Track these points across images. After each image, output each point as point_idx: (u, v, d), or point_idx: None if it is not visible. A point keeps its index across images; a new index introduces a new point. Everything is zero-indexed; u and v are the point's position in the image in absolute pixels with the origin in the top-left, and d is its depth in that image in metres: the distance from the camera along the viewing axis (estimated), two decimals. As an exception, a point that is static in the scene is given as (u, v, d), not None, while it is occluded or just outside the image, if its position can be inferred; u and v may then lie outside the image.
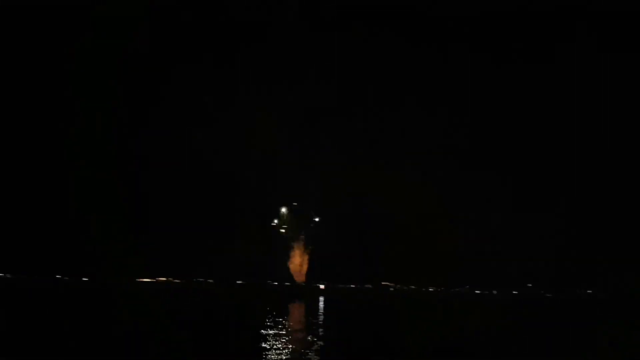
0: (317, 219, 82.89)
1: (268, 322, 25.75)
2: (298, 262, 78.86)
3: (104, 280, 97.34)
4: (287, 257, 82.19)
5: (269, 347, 16.07)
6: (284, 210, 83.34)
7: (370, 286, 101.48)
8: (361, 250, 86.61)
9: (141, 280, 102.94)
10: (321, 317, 29.88)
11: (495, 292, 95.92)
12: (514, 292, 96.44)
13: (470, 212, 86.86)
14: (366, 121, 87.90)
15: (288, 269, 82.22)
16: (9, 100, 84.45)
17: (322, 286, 71.82)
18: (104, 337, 17.62)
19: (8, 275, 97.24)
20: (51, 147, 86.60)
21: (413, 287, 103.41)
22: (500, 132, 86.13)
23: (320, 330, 22.42)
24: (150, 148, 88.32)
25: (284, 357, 14.27)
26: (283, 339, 18.23)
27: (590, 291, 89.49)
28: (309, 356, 14.64)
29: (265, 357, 14.17)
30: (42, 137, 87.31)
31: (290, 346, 16.39)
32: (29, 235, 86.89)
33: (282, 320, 26.79)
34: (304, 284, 78.13)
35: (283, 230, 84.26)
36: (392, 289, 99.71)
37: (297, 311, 36.01)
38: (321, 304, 47.54)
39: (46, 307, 31.57)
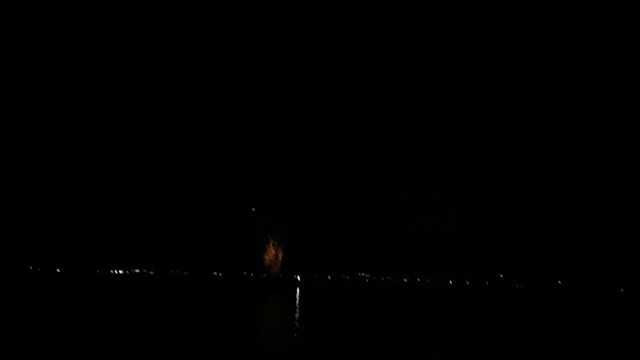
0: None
1: (245, 315, 25.99)
2: (273, 253, 78.92)
3: (77, 271, 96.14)
4: (262, 248, 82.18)
5: (247, 342, 16.31)
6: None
7: (346, 277, 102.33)
8: (337, 241, 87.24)
9: (115, 272, 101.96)
10: (297, 310, 30.21)
11: (468, 282, 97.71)
12: (486, 282, 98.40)
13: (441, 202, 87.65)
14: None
15: (263, 260, 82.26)
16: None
17: (298, 277, 72.13)
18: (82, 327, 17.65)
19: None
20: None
21: (389, 277, 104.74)
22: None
23: (297, 323, 22.74)
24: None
25: (264, 351, 14.53)
26: (261, 332, 18.49)
27: (560, 282, 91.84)
28: (287, 350, 14.92)
29: (247, 351, 14.42)
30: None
31: (268, 339, 16.65)
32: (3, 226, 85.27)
33: (260, 314, 27.07)
34: (279, 276, 78.22)
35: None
36: (367, 279, 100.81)
37: (274, 304, 36.30)
38: (297, 296, 47.87)
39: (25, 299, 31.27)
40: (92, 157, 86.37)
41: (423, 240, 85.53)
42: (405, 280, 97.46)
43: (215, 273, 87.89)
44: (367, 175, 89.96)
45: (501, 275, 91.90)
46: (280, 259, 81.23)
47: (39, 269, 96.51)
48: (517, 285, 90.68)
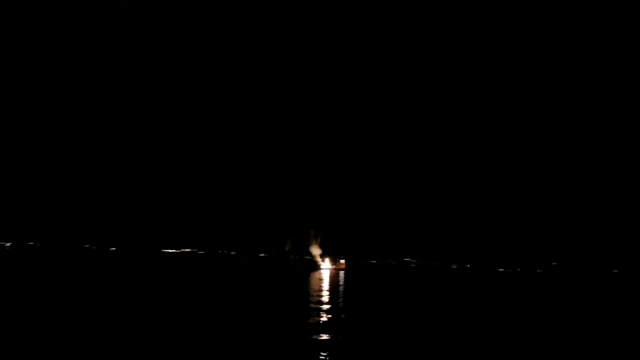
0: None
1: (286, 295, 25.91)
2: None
3: (129, 250, 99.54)
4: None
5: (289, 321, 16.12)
6: None
7: (392, 262, 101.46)
8: (383, 225, 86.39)
9: (166, 250, 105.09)
10: (341, 293, 29.89)
11: (519, 269, 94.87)
12: (538, 270, 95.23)
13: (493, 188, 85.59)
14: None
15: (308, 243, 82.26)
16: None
17: (342, 261, 71.79)
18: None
19: (37, 244, 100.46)
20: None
21: (435, 263, 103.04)
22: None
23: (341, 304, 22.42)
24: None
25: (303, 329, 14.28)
26: (304, 313, 18.26)
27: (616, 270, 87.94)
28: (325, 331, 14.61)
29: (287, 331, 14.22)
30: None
31: (311, 320, 16.38)
32: (57, 205, 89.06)
33: (303, 293, 26.89)
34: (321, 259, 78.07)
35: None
36: (413, 265, 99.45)
37: (317, 284, 36.13)
38: (341, 278, 47.66)
39: (73, 275, 32.27)
40: (143, 147, 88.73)
41: (473, 226, 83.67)
42: (454, 266, 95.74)
43: (262, 254, 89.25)
44: (414, 160, 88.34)
45: (554, 263, 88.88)
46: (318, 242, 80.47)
47: (94, 248, 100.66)
48: (571, 274, 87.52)
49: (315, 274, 53.62)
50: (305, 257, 78.43)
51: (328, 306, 21.38)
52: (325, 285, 36.90)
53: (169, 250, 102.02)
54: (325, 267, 71.95)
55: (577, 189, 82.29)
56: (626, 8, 71.02)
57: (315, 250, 77.79)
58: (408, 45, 79.13)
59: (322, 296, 26.54)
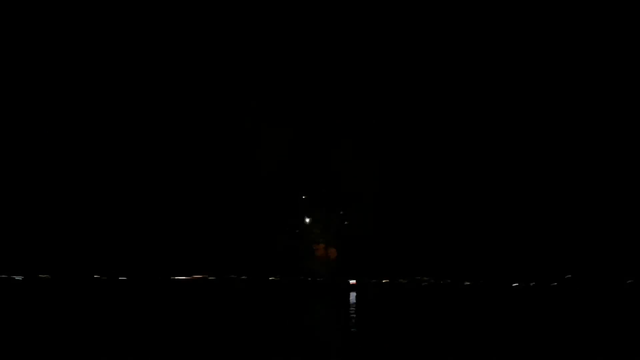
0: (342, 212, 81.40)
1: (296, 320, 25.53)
2: (324, 254, 77.22)
3: (141, 278, 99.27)
4: (312, 248, 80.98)
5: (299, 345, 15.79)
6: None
7: (404, 280, 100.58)
8: (393, 243, 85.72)
9: (176, 277, 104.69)
10: (353, 316, 29.46)
11: (532, 284, 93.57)
12: (552, 284, 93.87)
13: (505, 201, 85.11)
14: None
15: (315, 262, 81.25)
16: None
17: (352, 281, 70.96)
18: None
19: (48, 276, 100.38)
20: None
21: (448, 280, 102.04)
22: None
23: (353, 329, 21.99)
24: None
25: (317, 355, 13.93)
26: (314, 335, 17.91)
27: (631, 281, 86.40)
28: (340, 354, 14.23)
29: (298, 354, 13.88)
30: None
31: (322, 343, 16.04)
32: (62, 234, 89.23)
33: (311, 318, 26.49)
34: (332, 279, 77.02)
35: (307, 220, 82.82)
36: (425, 283, 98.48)
37: (327, 308, 35.66)
38: (352, 300, 47.05)
39: (85, 307, 32.06)
40: (153, 163, 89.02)
41: (484, 240, 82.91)
42: (467, 283, 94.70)
43: (271, 277, 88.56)
44: (424, 175, 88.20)
45: (569, 276, 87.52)
46: (332, 260, 79.91)
47: (104, 278, 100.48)
48: (585, 286, 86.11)
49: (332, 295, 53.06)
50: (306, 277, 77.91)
51: (340, 329, 21.00)
52: (336, 306, 36.45)
53: (180, 277, 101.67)
54: (334, 285, 71.40)
55: (591, 199, 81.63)
56: (626, 8, 71.16)
57: (325, 268, 77.11)
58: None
59: (335, 318, 26.17)
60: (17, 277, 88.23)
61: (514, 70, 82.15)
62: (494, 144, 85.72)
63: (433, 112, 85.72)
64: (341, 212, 77.84)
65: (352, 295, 56.60)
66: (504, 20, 79.34)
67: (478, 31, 79.78)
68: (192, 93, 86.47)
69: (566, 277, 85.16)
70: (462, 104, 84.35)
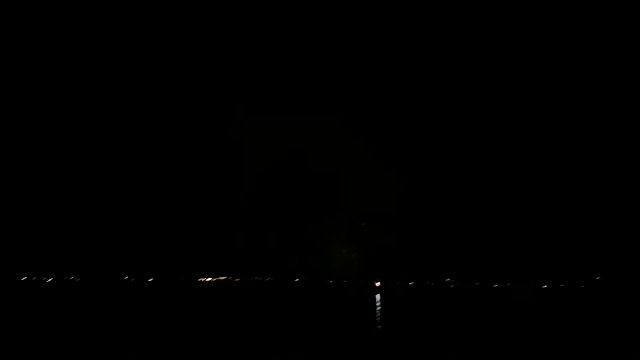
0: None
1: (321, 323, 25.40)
2: (346, 254, 76.26)
3: (167, 279, 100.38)
4: (336, 250, 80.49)
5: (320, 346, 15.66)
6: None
7: (431, 283, 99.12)
8: (420, 245, 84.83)
9: (202, 279, 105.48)
10: (379, 320, 29.15)
11: (562, 285, 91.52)
12: (582, 285, 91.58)
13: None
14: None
15: (340, 263, 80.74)
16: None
17: (377, 283, 70.29)
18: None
19: (77, 279, 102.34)
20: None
21: (477, 283, 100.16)
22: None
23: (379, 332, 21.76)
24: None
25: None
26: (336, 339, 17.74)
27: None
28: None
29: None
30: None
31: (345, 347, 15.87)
32: (92, 237, 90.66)
33: (335, 321, 26.31)
34: (355, 281, 76.47)
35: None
36: (452, 285, 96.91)
37: (352, 311, 35.41)
38: (378, 303, 46.67)
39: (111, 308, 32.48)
40: (179, 168, 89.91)
41: (513, 242, 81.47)
42: (495, 285, 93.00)
43: (296, 279, 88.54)
44: (448, 175, 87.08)
45: (598, 278, 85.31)
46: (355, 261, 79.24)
47: (133, 279, 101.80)
48: (616, 288, 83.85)
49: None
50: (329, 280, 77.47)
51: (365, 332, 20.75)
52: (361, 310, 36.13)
53: (206, 279, 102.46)
54: (359, 288, 70.70)
55: (620, 201, 79.52)
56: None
57: (350, 271, 76.67)
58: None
59: (359, 322, 25.88)
60: (47, 279, 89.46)
61: (533, 78, 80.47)
62: (522, 152, 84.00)
63: (458, 120, 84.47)
64: (363, 216, 77.33)
65: (377, 297, 56.16)
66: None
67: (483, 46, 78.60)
68: (212, 104, 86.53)
69: (596, 278, 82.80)
70: (483, 113, 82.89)
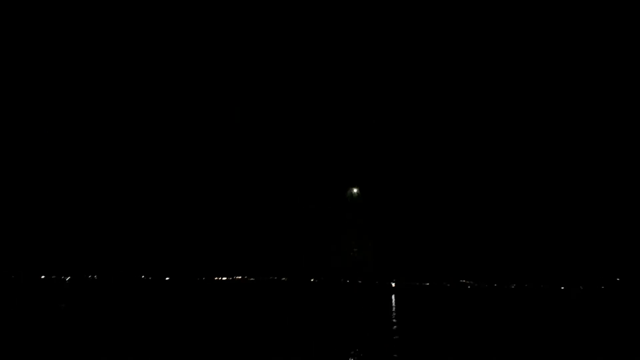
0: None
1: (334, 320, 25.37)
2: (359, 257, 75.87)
3: (184, 278, 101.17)
4: (351, 249, 79.91)
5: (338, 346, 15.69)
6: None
7: (447, 284, 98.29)
8: (436, 246, 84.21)
9: (219, 278, 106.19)
10: (394, 319, 29.04)
11: (581, 287, 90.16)
12: (601, 287, 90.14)
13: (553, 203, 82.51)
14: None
15: (354, 262, 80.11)
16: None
17: (393, 284, 69.87)
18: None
19: (95, 277, 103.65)
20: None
21: (494, 284, 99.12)
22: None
23: (395, 333, 21.71)
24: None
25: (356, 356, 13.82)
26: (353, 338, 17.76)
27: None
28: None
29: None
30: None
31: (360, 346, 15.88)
32: (113, 239, 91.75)
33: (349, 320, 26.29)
34: (373, 281, 76.12)
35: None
36: (469, 286, 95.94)
37: (367, 310, 35.35)
38: (393, 303, 46.50)
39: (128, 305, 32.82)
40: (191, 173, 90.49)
41: (531, 244, 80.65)
42: (513, 286, 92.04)
43: (312, 279, 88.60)
44: (466, 179, 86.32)
45: (618, 279, 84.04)
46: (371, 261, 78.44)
47: (149, 278, 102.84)
48: (636, 289, 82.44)
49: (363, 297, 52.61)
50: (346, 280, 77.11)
51: (380, 333, 20.70)
52: (376, 310, 36.03)
53: (222, 278, 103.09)
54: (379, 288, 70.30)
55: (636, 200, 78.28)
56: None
57: (367, 271, 76.22)
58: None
59: (373, 323, 25.82)
60: (66, 278, 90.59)
61: (544, 87, 79.41)
62: (530, 154, 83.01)
63: (470, 126, 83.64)
64: (374, 217, 77.01)
65: (392, 297, 55.95)
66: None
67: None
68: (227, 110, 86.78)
69: (616, 279, 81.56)
70: (493, 118, 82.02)
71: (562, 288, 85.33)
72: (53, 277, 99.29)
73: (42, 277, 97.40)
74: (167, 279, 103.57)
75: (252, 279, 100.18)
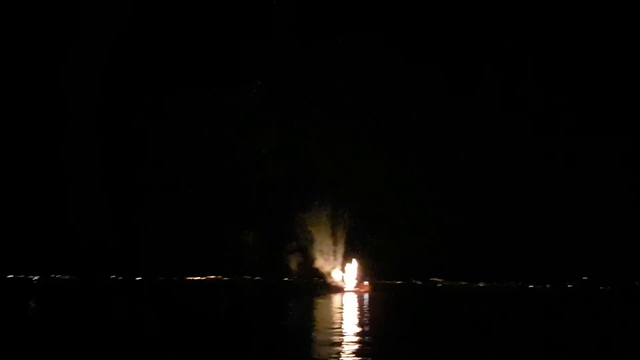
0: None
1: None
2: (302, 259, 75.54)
3: (156, 278, 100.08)
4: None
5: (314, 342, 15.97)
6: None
7: (418, 282, 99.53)
8: (408, 244, 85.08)
9: (190, 278, 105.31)
10: (366, 315, 29.48)
11: (548, 286, 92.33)
12: (568, 285, 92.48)
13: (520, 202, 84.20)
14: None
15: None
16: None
17: (366, 283, 70.32)
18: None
19: (67, 277, 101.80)
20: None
21: (463, 282, 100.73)
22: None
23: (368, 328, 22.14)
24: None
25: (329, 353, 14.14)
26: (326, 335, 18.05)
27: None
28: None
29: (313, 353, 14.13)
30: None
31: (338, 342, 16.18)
32: (85, 239, 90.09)
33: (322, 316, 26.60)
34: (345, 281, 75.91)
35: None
36: (440, 284, 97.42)
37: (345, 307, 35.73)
38: (366, 300, 46.97)
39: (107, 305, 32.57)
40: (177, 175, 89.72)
41: (501, 243, 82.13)
42: (482, 284, 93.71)
43: (286, 279, 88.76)
44: (437, 177, 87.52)
45: (585, 278, 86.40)
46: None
47: (120, 278, 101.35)
48: (602, 288, 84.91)
49: (336, 297, 52.90)
50: (316, 278, 77.33)
51: (357, 332, 21.05)
52: (351, 309, 36.37)
53: (194, 278, 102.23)
54: (349, 289, 70.37)
55: (605, 201, 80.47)
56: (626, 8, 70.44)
57: (336, 272, 76.55)
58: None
59: (348, 322, 26.16)
60: (34, 277, 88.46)
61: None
62: (503, 151, 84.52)
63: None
64: (349, 216, 77.00)
65: (366, 296, 56.47)
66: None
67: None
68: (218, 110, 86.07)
69: (583, 278, 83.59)
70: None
71: (531, 287, 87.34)
72: (21, 276, 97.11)
73: (10, 276, 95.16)
74: (137, 279, 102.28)
75: (226, 278, 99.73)
